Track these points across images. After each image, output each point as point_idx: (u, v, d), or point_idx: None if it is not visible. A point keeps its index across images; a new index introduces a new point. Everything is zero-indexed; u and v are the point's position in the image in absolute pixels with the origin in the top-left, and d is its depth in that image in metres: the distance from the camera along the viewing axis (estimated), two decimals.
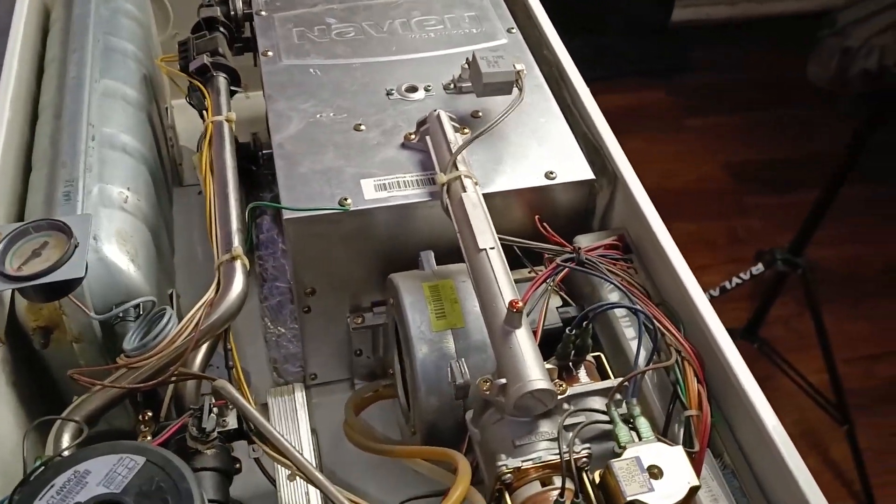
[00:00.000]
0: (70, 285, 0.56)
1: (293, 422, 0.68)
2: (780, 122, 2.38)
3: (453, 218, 0.66)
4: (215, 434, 0.63)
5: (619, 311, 0.68)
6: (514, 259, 0.72)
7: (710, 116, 2.40)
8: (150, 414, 0.68)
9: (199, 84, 0.80)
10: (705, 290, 1.69)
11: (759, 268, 1.64)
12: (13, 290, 0.62)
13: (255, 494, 0.69)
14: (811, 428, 1.77)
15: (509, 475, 0.54)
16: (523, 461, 0.55)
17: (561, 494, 0.52)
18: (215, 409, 0.63)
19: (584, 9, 2.37)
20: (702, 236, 2.13)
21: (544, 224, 0.72)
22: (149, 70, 0.89)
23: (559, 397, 0.57)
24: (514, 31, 0.88)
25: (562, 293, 0.72)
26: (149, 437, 0.65)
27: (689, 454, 0.58)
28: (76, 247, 0.56)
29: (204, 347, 0.71)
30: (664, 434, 0.62)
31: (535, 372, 0.55)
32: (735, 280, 1.66)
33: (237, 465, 0.74)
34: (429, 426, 0.65)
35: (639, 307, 0.63)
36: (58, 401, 0.70)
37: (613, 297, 0.68)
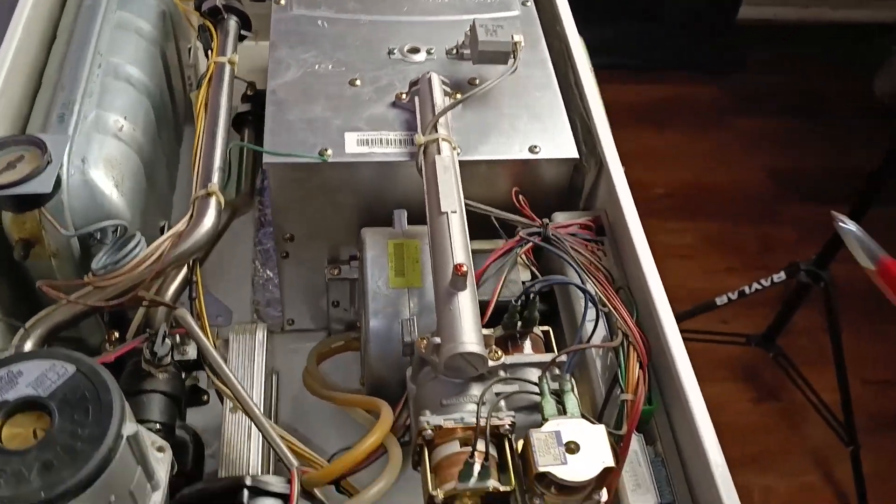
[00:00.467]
0: (38, 199, 0.59)
1: (249, 359, 0.71)
2: (828, 133, 2.31)
3: (424, 179, 0.67)
4: (168, 360, 0.66)
5: (580, 292, 0.68)
6: (492, 231, 0.73)
7: (757, 118, 2.34)
8: (116, 335, 0.71)
9: (209, 24, 0.82)
10: (725, 292, 1.67)
11: (780, 276, 1.61)
12: None
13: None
14: (817, 445, 1.74)
15: (430, 431, 0.55)
16: (445, 419, 0.56)
17: (471, 456, 0.53)
18: (170, 338, 0.66)
19: None
20: (732, 239, 2.09)
21: (520, 197, 0.72)
22: (169, 7, 0.91)
23: (494, 364, 0.58)
24: (528, 4, 0.88)
25: (533, 268, 0.73)
26: (111, 357, 0.68)
27: (616, 436, 0.59)
28: (48, 163, 0.59)
29: (178, 279, 0.73)
30: (600, 415, 0.62)
31: (469, 335, 0.56)
32: (755, 286, 1.63)
33: (205, 398, 0.77)
34: (375, 379, 0.66)
35: (587, 287, 0.63)
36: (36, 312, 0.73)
37: (574, 275, 0.68)
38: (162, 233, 0.85)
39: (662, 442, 0.62)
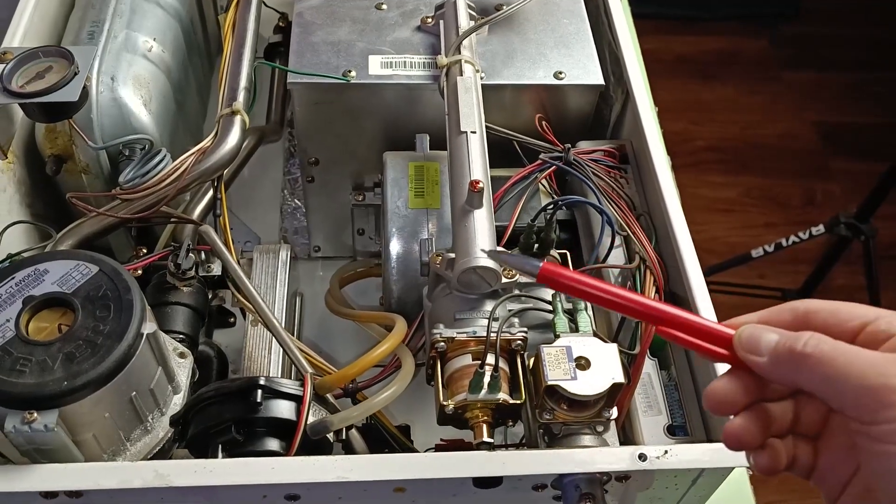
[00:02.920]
0: (65, 108, 0.60)
1: (272, 277, 0.72)
2: (882, 87, 2.24)
3: (445, 100, 0.67)
4: (191, 273, 0.67)
5: (600, 216, 0.67)
6: (515, 159, 0.72)
7: (809, 71, 2.28)
8: (144, 251, 0.73)
9: None
10: (760, 245, 1.64)
11: (819, 229, 1.58)
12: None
13: None
14: None
15: (442, 343, 0.56)
16: (458, 333, 0.56)
17: (481, 367, 0.54)
18: (194, 253, 0.67)
19: None
20: (776, 194, 2.05)
21: (543, 122, 0.72)
22: None
23: (507, 281, 0.58)
24: None
25: (554, 195, 0.72)
26: (139, 272, 0.70)
27: (630, 356, 0.59)
28: (75, 74, 0.60)
29: (206, 198, 0.75)
30: (615, 337, 0.62)
31: (482, 249, 0.56)
32: (792, 238, 1.60)
33: (232, 319, 0.79)
34: (395, 299, 0.67)
35: (604, 208, 0.63)
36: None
37: (594, 200, 0.67)
38: None
39: (677, 367, 0.62)
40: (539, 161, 0.68)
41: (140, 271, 0.69)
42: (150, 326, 0.52)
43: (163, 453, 0.56)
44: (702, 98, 2.22)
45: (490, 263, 0.56)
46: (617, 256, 0.66)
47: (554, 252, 0.64)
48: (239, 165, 0.80)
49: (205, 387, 0.53)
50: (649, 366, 0.61)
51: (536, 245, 0.64)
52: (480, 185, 0.57)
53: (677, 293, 0.62)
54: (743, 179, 2.08)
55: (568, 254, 0.65)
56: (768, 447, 0.39)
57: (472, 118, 0.64)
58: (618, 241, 0.66)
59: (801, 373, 0.37)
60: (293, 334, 0.76)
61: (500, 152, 0.71)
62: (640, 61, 1.11)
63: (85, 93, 0.62)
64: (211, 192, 0.74)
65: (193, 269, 0.67)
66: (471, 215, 0.58)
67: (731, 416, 0.40)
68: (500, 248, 0.52)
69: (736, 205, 2.05)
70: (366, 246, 0.85)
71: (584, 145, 0.73)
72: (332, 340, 0.81)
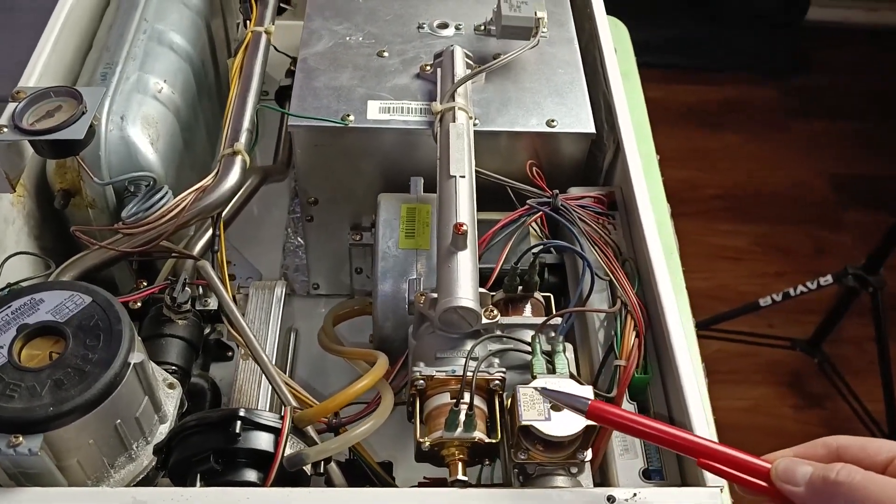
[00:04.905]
0: (72, 145, 0.63)
1: (266, 313, 0.74)
2: (892, 138, 2.24)
3: (438, 146, 0.69)
4: (186, 306, 0.69)
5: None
6: (507, 204, 0.74)
7: (819, 122, 2.29)
8: (145, 283, 0.75)
9: None
10: (769, 294, 1.64)
11: (827, 279, 1.58)
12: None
13: None
14: None
15: (422, 381, 0.57)
16: (437, 371, 0.58)
17: (457, 405, 0.55)
18: (191, 287, 0.69)
19: None
20: (785, 243, 2.06)
21: (534, 168, 0.73)
22: None
23: (488, 321, 0.60)
24: None
25: (544, 238, 0.74)
26: (138, 304, 0.72)
27: (607, 399, 0.60)
28: (83, 113, 0.63)
29: (207, 234, 0.77)
30: (595, 380, 0.63)
31: (463, 290, 0.58)
32: (801, 288, 1.60)
33: (229, 353, 0.80)
34: (382, 337, 0.68)
35: (585, 253, 0.64)
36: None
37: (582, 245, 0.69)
38: None
39: (656, 412, 0.62)
40: (527, 206, 0.70)
41: (139, 303, 0.72)
42: (137, 356, 0.54)
43: (147, 481, 0.57)
44: (709, 146, 2.23)
45: (470, 304, 0.57)
46: (602, 300, 0.67)
47: (538, 295, 0.66)
48: (241, 203, 0.82)
49: (188, 416, 0.55)
50: (627, 408, 0.61)
51: (520, 287, 0.65)
52: (465, 227, 0.59)
53: (657, 339, 0.63)
54: (752, 228, 2.08)
55: (552, 297, 0.67)
56: None
57: (461, 163, 0.66)
58: (603, 285, 0.67)
59: (835, 500, 0.41)
60: (285, 369, 0.79)
61: (492, 196, 0.73)
62: (644, 110, 1.14)
63: (91, 131, 0.65)
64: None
65: (189, 302, 0.69)
66: (455, 257, 0.60)
67: None
68: (549, 386, 0.53)
69: (745, 253, 2.06)
70: (363, 284, 0.87)
71: (574, 191, 0.75)
72: (326, 376, 0.83)
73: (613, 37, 0.86)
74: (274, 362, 0.71)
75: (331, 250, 0.85)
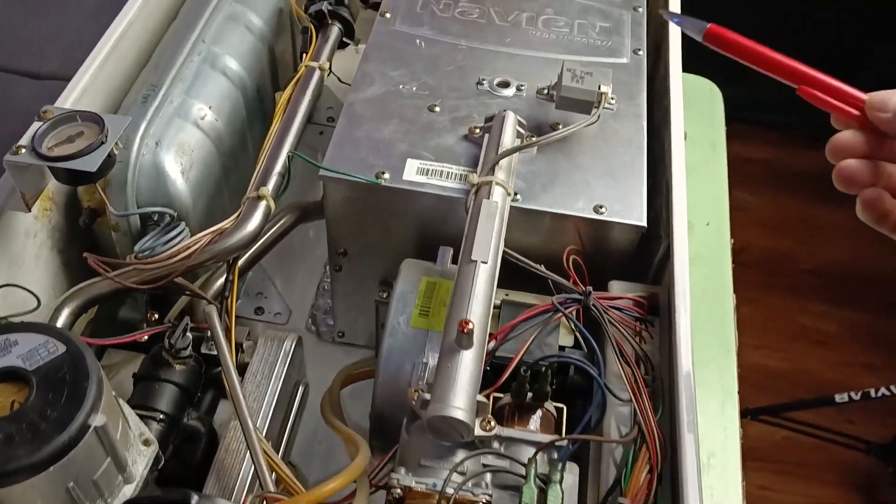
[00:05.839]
0: (85, 175, 0.61)
1: (270, 368, 0.70)
2: None
3: (468, 221, 0.64)
4: (186, 352, 0.66)
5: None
6: (542, 281, 0.68)
7: None
8: (156, 316, 0.73)
9: (311, 27, 0.83)
10: (847, 391, 1.51)
11: None
12: None
13: None
14: None
15: (398, 490, 0.52)
16: (417, 482, 0.52)
17: None
18: (192, 332, 0.66)
19: (838, 53, 2.15)
20: (881, 333, 1.89)
21: (572, 257, 0.67)
22: (288, 5, 0.93)
23: (485, 434, 0.54)
24: (640, 52, 0.82)
25: (578, 331, 0.67)
26: (146, 337, 0.70)
27: None
28: (101, 143, 0.61)
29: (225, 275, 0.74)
30: None
31: (458, 399, 0.52)
32: (883, 390, 1.46)
33: None
34: (378, 417, 0.63)
35: (605, 365, 0.58)
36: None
37: (609, 352, 0.62)
38: None
39: None
40: (549, 303, 0.63)
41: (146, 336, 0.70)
42: (100, 419, 0.51)
43: None
44: (816, 217, 2.08)
45: (463, 416, 0.52)
46: (622, 418, 0.60)
47: (549, 405, 0.59)
48: (272, 243, 0.79)
49: (139, 496, 0.51)
50: None
51: (530, 395, 0.59)
52: (471, 326, 0.54)
53: (664, 474, 0.56)
54: (847, 313, 1.93)
55: (564, 408, 0.60)
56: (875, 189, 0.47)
57: (486, 247, 0.60)
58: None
59: None
60: (284, 429, 0.74)
61: (527, 274, 0.67)
62: (726, 197, 1.05)
63: (110, 161, 0.63)
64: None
65: (189, 347, 0.66)
66: (456, 356, 0.54)
67: None
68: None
69: (835, 338, 1.91)
70: None
71: (614, 287, 0.68)
72: (331, 436, 0.78)
73: (706, 102, 0.79)
74: (269, 423, 0.68)
75: (358, 302, 0.81)
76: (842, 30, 2.11)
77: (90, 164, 0.60)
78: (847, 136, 0.48)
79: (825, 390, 1.59)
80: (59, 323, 0.65)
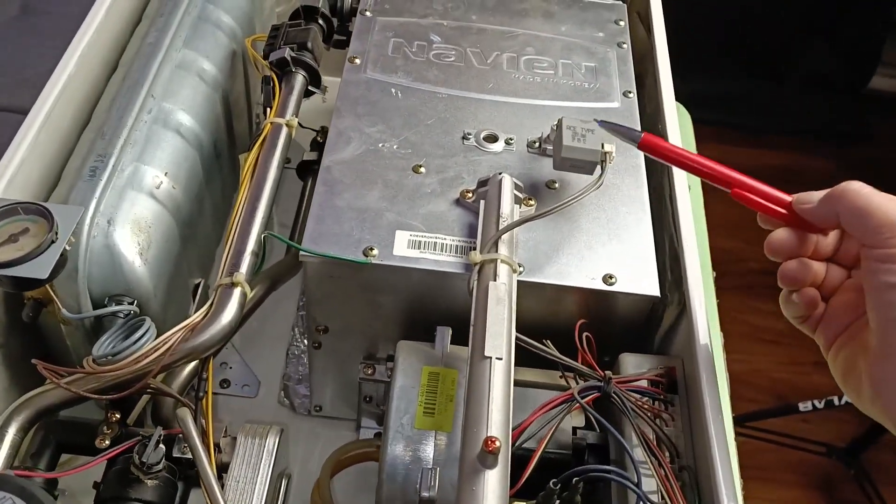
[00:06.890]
0: (34, 283, 0.52)
1: (253, 469, 0.63)
2: None
3: (473, 306, 0.58)
4: (159, 467, 0.59)
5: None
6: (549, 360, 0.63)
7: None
8: (118, 416, 0.64)
9: (273, 76, 0.75)
10: (809, 388, 1.52)
11: None
12: None
13: None
14: None
15: None
16: None
17: None
18: (162, 445, 0.59)
19: (767, 53, 2.17)
20: None
21: (585, 336, 0.62)
22: (242, 47, 0.84)
23: None
24: (631, 95, 0.77)
25: (590, 412, 0.62)
26: (106, 442, 0.62)
27: None
28: (52, 242, 0.52)
29: (192, 364, 0.66)
30: None
31: None
32: (846, 398, 1.47)
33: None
34: None
35: (630, 482, 0.53)
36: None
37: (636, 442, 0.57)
38: (195, 293, 0.79)
39: None
40: (569, 393, 0.58)
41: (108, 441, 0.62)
42: None
43: None
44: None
45: None
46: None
47: None
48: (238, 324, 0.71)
49: None
50: None
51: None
52: (497, 444, 0.48)
53: None
54: None
55: None
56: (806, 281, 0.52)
57: (500, 340, 0.54)
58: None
59: (840, 203, 0.48)
60: None
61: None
62: (704, 222, 1.02)
63: (63, 260, 0.54)
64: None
65: (161, 461, 0.59)
66: (480, 477, 0.48)
67: None
68: (608, 121, 0.63)
69: (784, 337, 1.92)
70: (372, 412, 0.76)
71: (629, 361, 0.63)
72: None
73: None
74: None
75: (339, 378, 0.75)
76: (771, 31, 2.13)
77: (40, 269, 0.51)
78: (781, 235, 0.52)
79: (777, 390, 1.60)
80: (6, 445, 0.56)
